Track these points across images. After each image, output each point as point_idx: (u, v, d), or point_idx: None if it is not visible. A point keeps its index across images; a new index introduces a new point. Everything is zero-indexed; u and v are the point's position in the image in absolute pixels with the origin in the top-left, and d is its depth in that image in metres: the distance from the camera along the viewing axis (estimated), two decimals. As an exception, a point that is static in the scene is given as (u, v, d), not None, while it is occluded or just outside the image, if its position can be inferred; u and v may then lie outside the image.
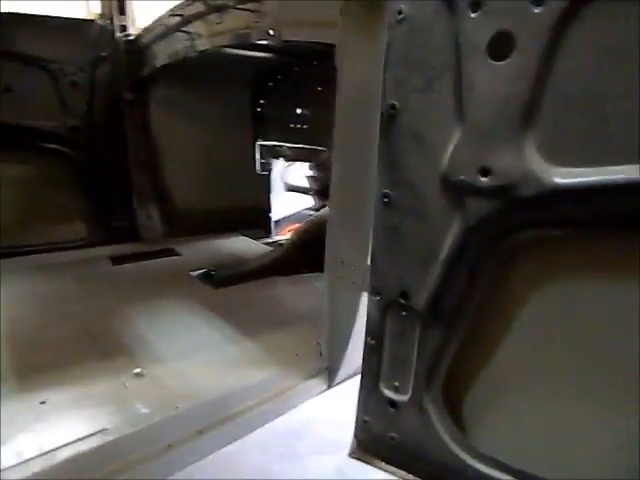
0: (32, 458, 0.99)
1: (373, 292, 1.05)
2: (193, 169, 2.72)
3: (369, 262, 1.21)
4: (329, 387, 1.44)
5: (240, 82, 2.72)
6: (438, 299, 0.97)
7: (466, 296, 0.95)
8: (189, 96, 2.61)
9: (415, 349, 1.02)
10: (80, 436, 1.05)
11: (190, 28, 2.03)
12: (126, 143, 2.55)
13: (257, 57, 2.36)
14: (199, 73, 2.50)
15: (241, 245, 2.66)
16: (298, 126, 2.66)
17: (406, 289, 1.00)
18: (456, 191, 0.89)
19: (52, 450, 1.00)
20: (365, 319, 1.31)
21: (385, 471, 1.12)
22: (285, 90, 2.65)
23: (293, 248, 2.28)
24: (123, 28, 2.45)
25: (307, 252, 2.23)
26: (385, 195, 0.99)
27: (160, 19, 2.24)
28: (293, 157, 2.83)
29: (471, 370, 1.00)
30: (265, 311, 1.76)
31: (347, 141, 1.24)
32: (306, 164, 3.06)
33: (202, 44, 1.95)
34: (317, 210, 2.83)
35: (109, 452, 1.04)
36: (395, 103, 0.94)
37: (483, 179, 0.85)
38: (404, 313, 1.01)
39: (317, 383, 1.41)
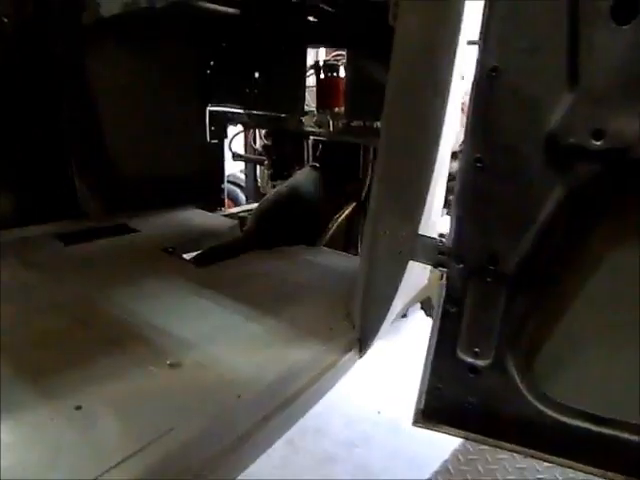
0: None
1: (456, 259, 1.04)
2: (138, 135, 2.44)
3: (420, 231, 1.20)
4: (360, 358, 1.41)
5: (190, 41, 2.47)
6: (530, 264, 0.98)
7: (559, 260, 0.98)
8: (133, 54, 2.32)
9: (499, 314, 1.03)
10: (147, 441, 0.91)
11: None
12: (60, 102, 2.20)
13: (218, 12, 2.16)
14: (146, 29, 2.23)
15: (200, 218, 2.47)
16: (255, 91, 2.50)
17: (495, 254, 0.99)
18: (564, 154, 0.90)
19: (126, 459, 0.86)
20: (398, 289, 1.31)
21: (456, 436, 1.14)
22: (241, 50, 2.47)
23: (263, 220, 2.17)
24: (55, -32, 2.08)
25: (279, 224, 2.14)
26: (478, 159, 0.96)
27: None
28: (248, 124, 2.67)
29: (549, 327, 1.04)
30: (268, 287, 1.66)
31: (401, 106, 1.19)
32: (256, 133, 2.93)
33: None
34: (272, 182, 2.72)
35: (183, 453, 0.92)
36: (496, 64, 0.91)
37: (596, 142, 0.86)
38: (489, 279, 1.01)
39: (352, 356, 1.37)
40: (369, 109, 2.07)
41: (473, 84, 0.95)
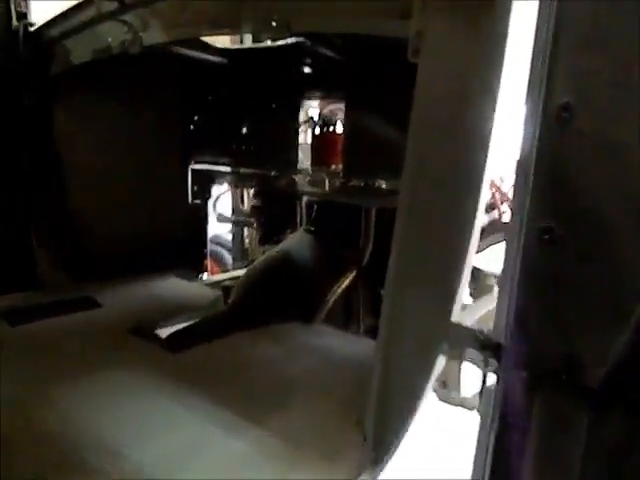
0: None
1: (518, 365, 0.75)
2: (109, 196, 2.18)
3: (465, 322, 0.92)
4: (373, 481, 1.09)
5: (172, 92, 2.28)
6: (625, 373, 0.69)
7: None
8: (108, 106, 2.10)
9: (581, 445, 0.73)
10: None
11: (130, 17, 1.59)
12: (21, 160, 1.95)
13: (203, 60, 1.98)
14: (122, 78, 2.03)
15: (178, 289, 2.17)
16: (243, 147, 2.29)
17: (575, 359, 0.71)
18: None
19: None
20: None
21: None
22: (228, 103, 2.27)
23: (251, 292, 1.88)
24: (22, 16, 1.89)
25: (269, 296, 1.85)
26: (545, 230, 0.70)
27: (77, 7, 1.75)
28: (234, 183, 2.44)
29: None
30: (256, 383, 1.34)
31: (427, 155, 0.94)
32: (241, 193, 2.69)
33: (153, 37, 1.52)
34: (261, 247, 2.45)
35: None
36: (569, 101, 0.67)
37: None
38: (565, 394, 0.72)
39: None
40: (370, 167, 1.85)
41: (532, 130, 0.71)
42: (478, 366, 0.87)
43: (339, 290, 1.87)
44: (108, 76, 1.93)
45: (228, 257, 4.80)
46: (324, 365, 1.43)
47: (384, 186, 1.92)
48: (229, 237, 4.57)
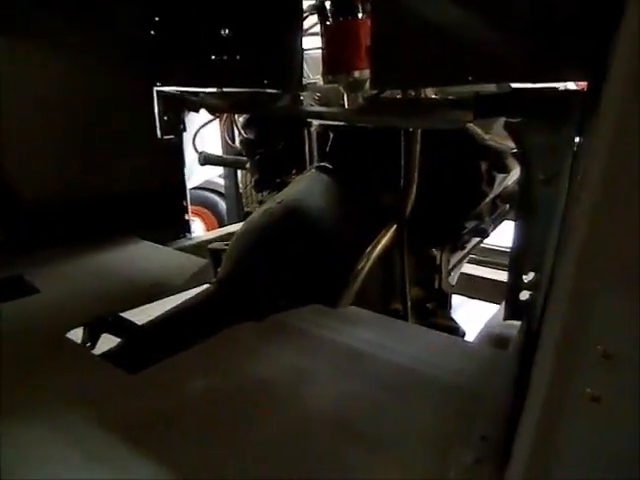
0: None
1: None
2: (51, 135, 1.57)
3: None
4: None
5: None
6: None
7: None
8: (41, 15, 1.45)
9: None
10: None
11: None
12: None
13: None
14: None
15: (148, 259, 1.59)
16: (225, 57, 1.63)
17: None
18: None
19: None
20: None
21: None
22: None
23: (245, 265, 1.32)
24: None
25: (272, 270, 1.29)
26: None
27: None
28: (217, 109, 1.79)
29: None
30: (260, 433, 0.79)
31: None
32: (230, 123, 2.05)
33: None
34: (260, 192, 1.85)
35: None
36: None
37: None
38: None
39: None
40: (414, 69, 1.22)
41: None
42: None
43: (373, 255, 1.28)
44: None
45: (223, 204, 4.21)
46: (375, 383, 0.88)
47: (435, 96, 1.30)
48: (222, 182, 3.96)
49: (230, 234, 1.93)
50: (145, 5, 1.66)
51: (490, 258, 2.20)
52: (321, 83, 1.58)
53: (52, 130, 1.57)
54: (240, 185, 3.16)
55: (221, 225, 4.34)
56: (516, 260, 1.15)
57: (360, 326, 1.14)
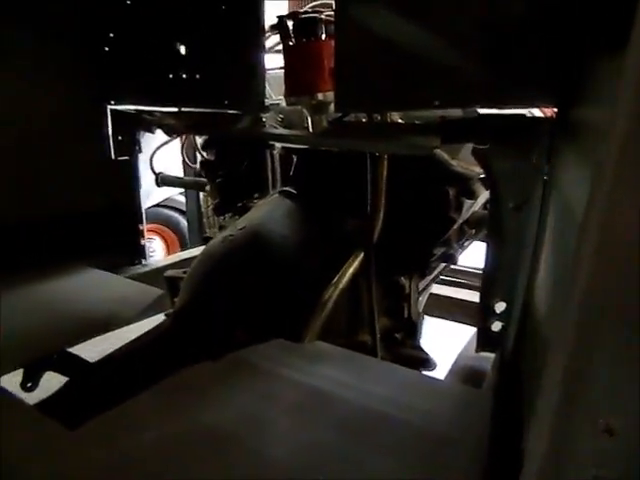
0: None
1: None
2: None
3: None
4: None
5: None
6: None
7: None
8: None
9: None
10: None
11: None
12: None
13: None
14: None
15: (94, 287, 1.47)
16: (183, 75, 1.56)
17: None
18: None
19: None
20: None
21: None
22: (156, 9, 1.52)
23: (203, 296, 1.23)
24: None
25: (232, 301, 1.21)
26: None
27: None
28: (174, 129, 1.71)
29: None
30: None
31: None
32: (191, 143, 1.97)
33: None
34: (219, 215, 1.76)
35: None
36: None
37: None
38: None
39: None
40: (377, 92, 1.18)
41: None
42: None
43: (340, 284, 1.22)
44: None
45: (184, 222, 4.09)
46: (345, 434, 0.80)
47: (400, 121, 1.27)
48: (183, 199, 3.84)
49: (187, 260, 1.84)
50: (99, 20, 1.57)
51: (454, 277, 2.18)
52: (284, 104, 1.53)
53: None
54: (202, 205, 3.07)
55: (182, 244, 4.22)
56: (486, 289, 1.11)
57: (326, 364, 1.07)
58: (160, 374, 0.99)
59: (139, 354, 1.10)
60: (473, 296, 2.10)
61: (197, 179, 1.88)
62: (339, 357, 1.12)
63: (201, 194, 3.25)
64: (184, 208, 3.87)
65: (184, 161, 2.07)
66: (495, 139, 1.03)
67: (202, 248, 1.88)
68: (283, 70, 1.38)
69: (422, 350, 1.34)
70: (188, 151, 2.00)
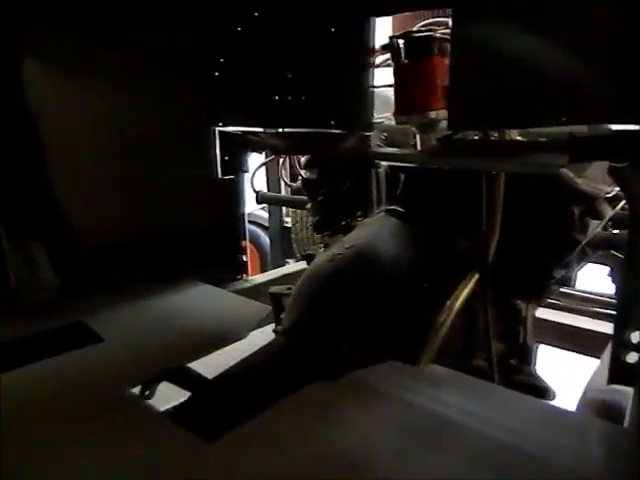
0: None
1: None
2: (107, 175, 1.56)
3: None
4: None
5: (186, 24, 1.60)
6: None
7: None
8: (95, 48, 1.45)
9: None
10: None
11: None
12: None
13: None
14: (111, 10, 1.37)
15: (209, 304, 1.53)
16: (289, 98, 1.60)
17: None
18: None
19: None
20: None
21: None
22: (265, 36, 1.58)
23: (313, 317, 1.24)
24: None
25: (344, 322, 1.21)
26: None
27: None
28: (279, 149, 1.76)
29: None
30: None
31: None
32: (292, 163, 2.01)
33: None
34: (320, 232, 1.79)
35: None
36: None
37: None
38: None
39: None
40: (496, 108, 1.15)
41: None
42: None
43: (455, 307, 1.19)
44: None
45: (265, 238, 4.17)
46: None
47: (518, 138, 1.22)
48: (265, 215, 3.92)
49: (287, 276, 1.88)
50: (211, 46, 1.66)
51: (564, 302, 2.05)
52: (386, 122, 1.52)
53: (106, 170, 1.56)
54: (287, 221, 3.12)
55: (262, 258, 4.30)
56: (622, 317, 1.03)
57: (444, 388, 1.04)
58: (280, 392, 1.00)
59: (257, 371, 1.11)
60: (576, 320, 1.97)
61: (296, 197, 1.92)
62: (456, 382, 1.08)
63: (283, 210, 3.32)
64: (264, 223, 3.95)
65: (279, 179, 2.12)
66: (635, 157, 0.96)
67: (301, 264, 1.92)
68: (391, 88, 1.38)
69: (539, 378, 1.27)
70: (285, 170, 2.05)
